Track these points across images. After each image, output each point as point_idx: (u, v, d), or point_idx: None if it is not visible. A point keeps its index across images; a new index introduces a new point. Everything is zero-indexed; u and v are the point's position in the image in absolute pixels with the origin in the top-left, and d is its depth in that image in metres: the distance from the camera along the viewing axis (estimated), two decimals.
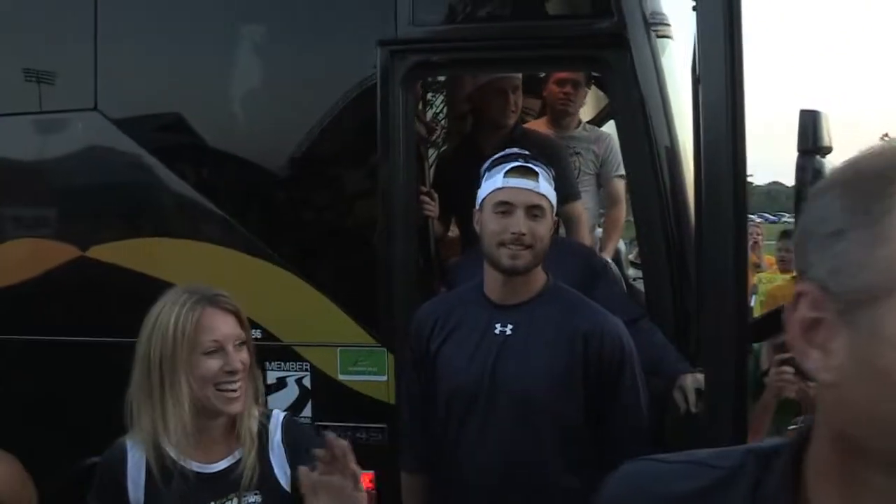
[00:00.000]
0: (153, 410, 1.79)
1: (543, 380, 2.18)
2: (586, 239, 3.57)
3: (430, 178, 3.55)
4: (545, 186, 2.23)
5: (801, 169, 2.36)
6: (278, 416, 1.99)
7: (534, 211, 2.19)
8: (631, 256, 5.15)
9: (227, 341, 1.81)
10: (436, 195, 3.33)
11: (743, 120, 2.09)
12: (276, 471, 1.88)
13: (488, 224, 2.21)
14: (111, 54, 3.10)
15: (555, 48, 2.99)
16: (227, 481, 1.82)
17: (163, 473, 1.78)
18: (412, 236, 3.02)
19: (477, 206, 2.29)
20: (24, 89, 3.16)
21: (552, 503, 2.20)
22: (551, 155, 3.09)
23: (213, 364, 1.78)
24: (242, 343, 1.85)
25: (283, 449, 1.91)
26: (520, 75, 3.52)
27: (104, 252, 3.07)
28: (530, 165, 2.22)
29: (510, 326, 2.23)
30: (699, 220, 2.43)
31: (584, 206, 3.69)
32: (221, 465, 1.84)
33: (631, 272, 4.57)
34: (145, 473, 1.80)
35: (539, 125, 4.11)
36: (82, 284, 3.13)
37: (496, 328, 2.23)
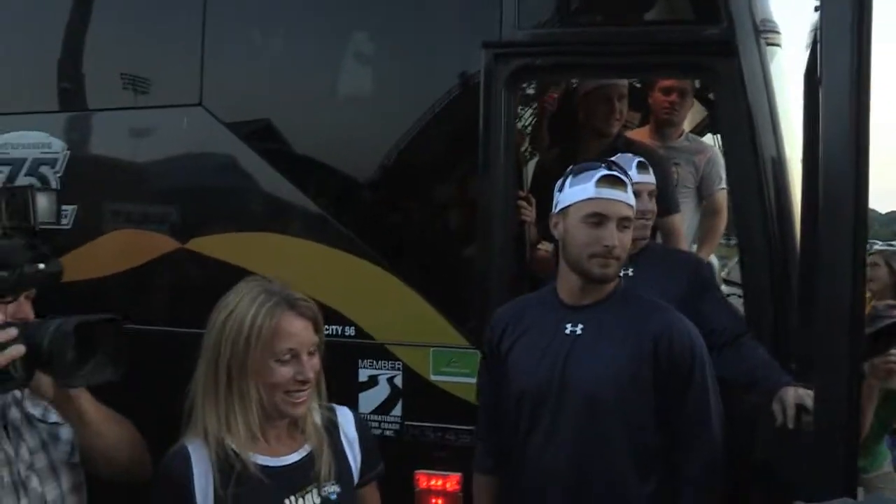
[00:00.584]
0: (217, 408, 1.76)
1: (612, 380, 2.18)
2: None
3: (529, 184, 3.54)
4: (632, 197, 2.25)
5: None
6: (345, 411, 1.98)
7: (624, 222, 2.20)
8: (723, 274, 5.07)
9: (302, 349, 1.78)
10: (533, 200, 3.32)
11: (867, 129, 2.02)
12: (351, 463, 1.92)
13: (578, 234, 2.20)
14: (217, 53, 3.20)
15: (661, 54, 2.94)
16: (300, 475, 1.81)
17: (230, 474, 1.73)
18: (509, 241, 3.02)
19: (556, 209, 2.29)
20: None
21: None
22: (654, 166, 3.07)
23: (286, 372, 1.76)
24: (316, 350, 1.83)
25: (357, 444, 1.94)
26: (626, 83, 3.49)
27: (204, 245, 3.16)
28: (618, 175, 2.22)
29: (581, 326, 2.24)
30: (812, 232, 2.35)
31: (682, 220, 3.64)
32: (291, 458, 1.83)
33: (724, 288, 4.48)
34: (213, 477, 1.74)
35: (641, 134, 4.06)
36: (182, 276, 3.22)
37: (566, 328, 2.25)
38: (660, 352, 2.18)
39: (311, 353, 1.80)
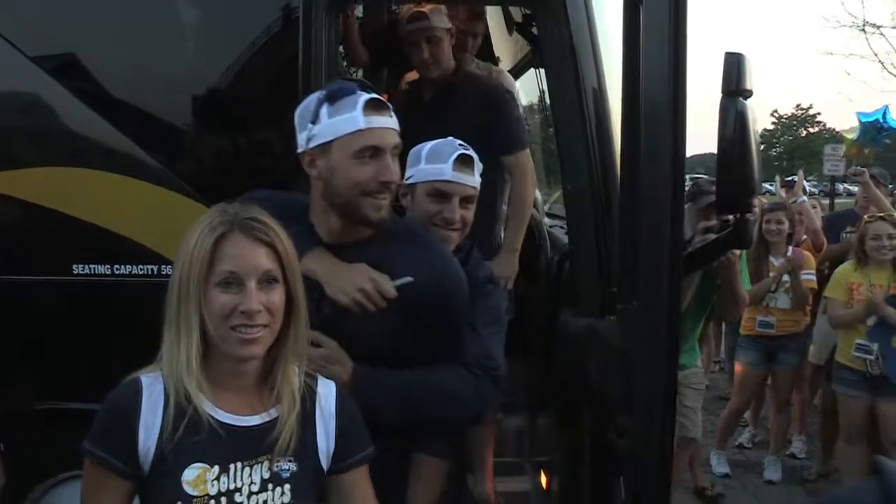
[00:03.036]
0: (171, 340, 1.57)
1: (376, 333, 2.00)
2: (529, 193, 3.53)
3: None
4: (396, 122, 2.01)
5: (723, 111, 2.38)
6: (329, 384, 1.75)
7: (396, 151, 1.99)
8: (546, 208, 5.21)
9: (248, 275, 1.54)
10: None
11: (685, 51, 2.08)
12: (319, 442, 1.67)
13: (348, 172, 1.94)
14: None
15: None
16: (258, 441, 1.59)
17: (181, 418, 1.53)
18: None
19: (308, 144, 1.98)
20: None
21: None
22: (495, 101, 3.01)
23: (227, 300, 1.54)
24: (273, 281, 1.58)
25: (334, 421, 1.69)
26: (442, 25, 3.41)
27: None
28: (382, 99, 1.99)
29: None
30: (633, 160, 2.42)
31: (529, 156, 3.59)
32: (251, 420, 1.60)
33: (546, 221, 4.60)
34: (161, 417, 1.53)
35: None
36: None
37: None
38: (430, 296, 2.01)
39: (262, 283, 1.56)
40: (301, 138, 2.00)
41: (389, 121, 1.96)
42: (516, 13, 4.24)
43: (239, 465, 1.56)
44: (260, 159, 2.96)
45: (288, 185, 2.69)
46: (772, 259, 5.36)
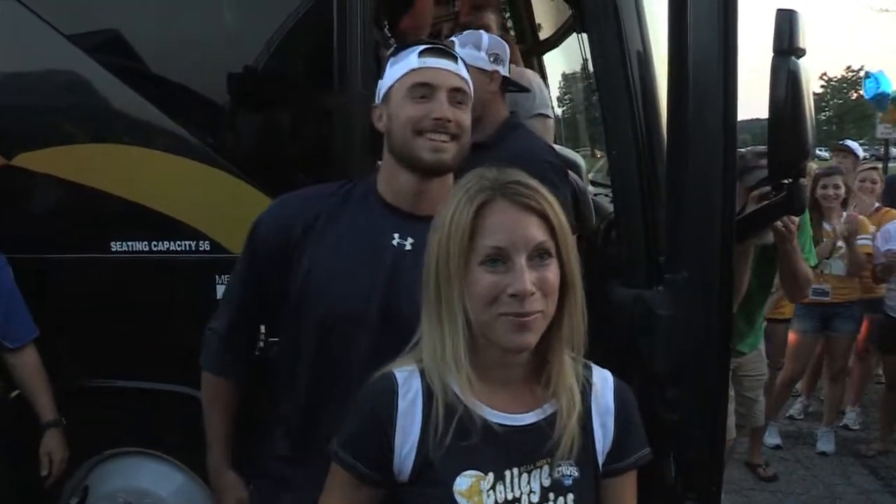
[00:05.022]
0: (432, 332, 1.38)
1: None
2: None
3: None
4: (465, 71, 1.94)
5: (775, 71, 2.29)
6: (605, 374, 1.51)
7: (457, 96, 1.87)
8: (590, 175, 5.11)
9: (516, 250, 1.31)
10: None
11: (735, 9, 1.99)
12: (598, 441, 1.44)
13: (402, 112, 1.84)
14: None
15: None
16: (535, 443, 1.37)
17: (449, 419, 1.33)
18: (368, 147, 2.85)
19: (379, 99, 1.95)
20: None
21: None
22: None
23: (492, 281, 1.31)
24: (546, 255, 1.34)
25: (612, 417, 1.46)
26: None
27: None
28: (444, 47, 1.92)
29: (410, 241, 1.85)
30: (681, 126, 2.34)
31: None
32: (527, 418, 1.39)
33: (590, 189, 4.51)
34: (421, 418, 1.35)
35: None
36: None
37: (394, 239, 1.86)
38: None
39: (534, 259, 1.32)
40: (376, 98, 1.98)
41: (450, 63, 1.87)
42: None
43: (515, 471, 1.36)
44: (298, 132, 2.92)
45: (325, 155, 2.66)
46: (825, 226, 5.21)
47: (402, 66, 1.87)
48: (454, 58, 1.90)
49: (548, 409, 1.39)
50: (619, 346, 2.84)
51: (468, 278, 1.32)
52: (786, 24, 2.28)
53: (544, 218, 1.34)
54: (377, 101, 1.95)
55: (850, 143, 7.14)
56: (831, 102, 63.89)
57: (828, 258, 5.15)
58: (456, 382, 1.34)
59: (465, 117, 1.88)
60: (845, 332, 5.36)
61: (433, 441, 1.33)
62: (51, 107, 2.80)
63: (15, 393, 2.71)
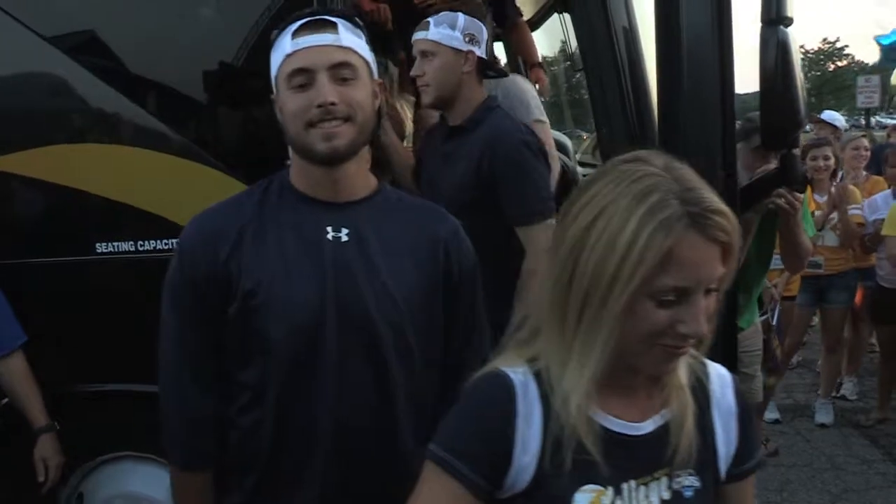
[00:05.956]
0: (560, 346, 1.23)
1: (401, 304, 1.67)
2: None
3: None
4: (350, 38, 1.67)
5: (764, 41, 2.25)
6: (721, 370, 1.38)
7: (342, 72, 1.63)
8: (577, 156, 5.08)
9: (697, 289, 1.15)
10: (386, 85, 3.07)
11: None
12: (720, 446, 1.31)
13: (287, 104, 1.65)
14: None
15: None
16: (653, 453, 1.25)
17: (567, 427, 1.21)
18: None
19: (274, 91, 1.72)
20: None
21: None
22: (510, 155, 2.56)
23: (665, 318, 1.16)
24: (717, 286, 1.19)
25: (735, 419, 1.33)
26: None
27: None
28: (320, 17, 1.67)
29: (345, 231, 1.68)
30: (672, 100, 2.30)
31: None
32: (645, 426, 1.27)
33: (579, 170, 4.48)
34: (541, 427, 1.23)
35: None
36: None
37: (328, 232, 1.68)
38: (451, 264, 1.74)
39: (708, 293, 1.18)
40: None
41: (327, 36, 1.63)
42: None
43: (633, 483, 1.24)
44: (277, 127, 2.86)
45: None
46: (816, 197, 5.20)
47: (279, 52, 1.66)
48: (333, 26, 1.65)
49: (666, 415, 1.27)
50: None
51: (634, 308, 1.15)
52: None
53: (726, 249, 1.17)
54: (274, 91, 1.72)
55: (828, 113, 7.09)
56: (809, 75, 64.04)
57: (820, 230, 5.14)
58: (577, 391, 1.21)
59: (356, 92, 1.65)
60: (839, 302, 5.35)
61: (551, 452, 1.21)
62: (27, 108, 2.74)
63: (4, 401, 2.65)
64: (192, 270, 1.68)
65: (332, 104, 1.60)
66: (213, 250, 1.66)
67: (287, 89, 1.64)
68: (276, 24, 1.76)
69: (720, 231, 1.14)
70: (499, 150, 2.54)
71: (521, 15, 4.13)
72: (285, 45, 1.64)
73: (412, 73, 2.71)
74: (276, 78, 1.68)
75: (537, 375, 1.25)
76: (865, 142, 5.97)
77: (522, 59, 4.42)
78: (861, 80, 14.47)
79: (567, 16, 4.22)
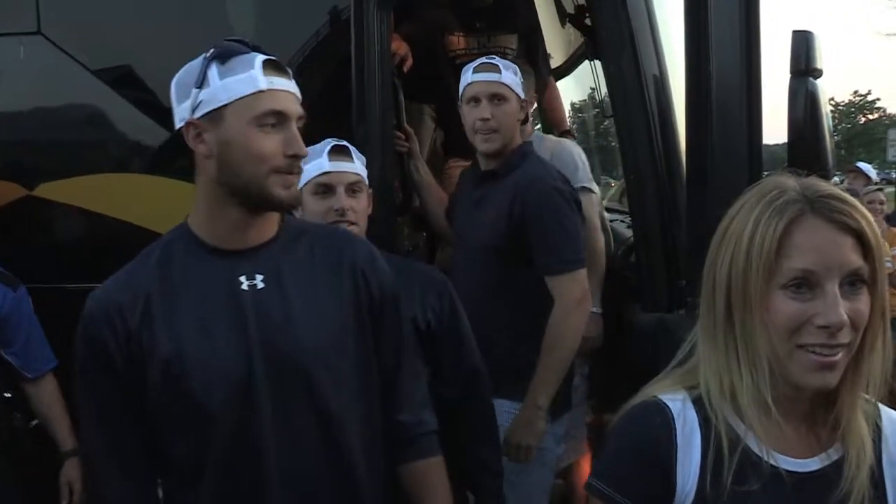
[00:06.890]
0: (717, 360, 1.20)
1: (329, 342, 1.62)
2: (571, 328, 2.59)
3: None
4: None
5: (793, 92, 2.29)
6: (894, 416, 1.28)
7: (300, 122, 1.61)
8: (605, 202, 5.10)
9: (828, 276, 1.12)
10: (410, 130, 3.13)
11: (758, 33, 1.99)
12: (890, 496, 1.21)
13: (250, 143, 1.54)
14: None
15: None
16: (817, 493, 1.18)
17: (730, 458, 1.16)
18: (385, 174, 2.84)
19: (193, 114, 1.56)
20: None
21: None
22: (542, 203, 2.56)
23: (797, 309, 1.12)
24: (859, 283, 1.14)
25: None
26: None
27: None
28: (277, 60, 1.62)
29: (259, 277, 1.59)
30: (699, 151, 2.34)
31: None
32: (811, 464, 1.20)
33: (607, 216, 4.49)
34: (700, 455, 1.18)
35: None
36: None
37: (241, 282, 1.58)
38: (371, 288, 1.69)
39: (845, 287, 1.13)
40: (182, 109, 1.57)
41: (292, 85, 1.60)
42: (568, 3, 4.16)
43: None
44: None
45: None
46: None
47: (242, 81, 1.54)
48: (290, 74, 1.62)
49: (833, 455, 1.20)
50: (641, 369, 2.82)
51: (765, 302, 1.14)
52: (802, 45, 2.29)
53: (861, 239, 1.13)
54: (189, 113, 1.56)
55: (862, 164, 7.19)
56: (839, 127, 63.88)
57: None
58: (737, 418, 1.18)
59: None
60: None
61: (711, 484, 1.17)
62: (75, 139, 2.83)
63: (34, 423, 2.70)
64: (102, 352, 1.55)
65: (303, 157, 1.59)
66: (121, 325, 1.54)
67: (251, 125, 1.53)
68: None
69: (840, 214, 1.12)
70: (530, 197, 2.54)
71: (552, 73, 4.17)
72: (257, 80, 1.53)
73: (478, 115, 2.60)
74: (229, 108, 1.54)
75: (695, 401, 1.22)
76: (881, 195, 6.12)
77: (552, 124, 4.48)
78: (892, 134, 14.47)
79: (597, 63, 4.27)
